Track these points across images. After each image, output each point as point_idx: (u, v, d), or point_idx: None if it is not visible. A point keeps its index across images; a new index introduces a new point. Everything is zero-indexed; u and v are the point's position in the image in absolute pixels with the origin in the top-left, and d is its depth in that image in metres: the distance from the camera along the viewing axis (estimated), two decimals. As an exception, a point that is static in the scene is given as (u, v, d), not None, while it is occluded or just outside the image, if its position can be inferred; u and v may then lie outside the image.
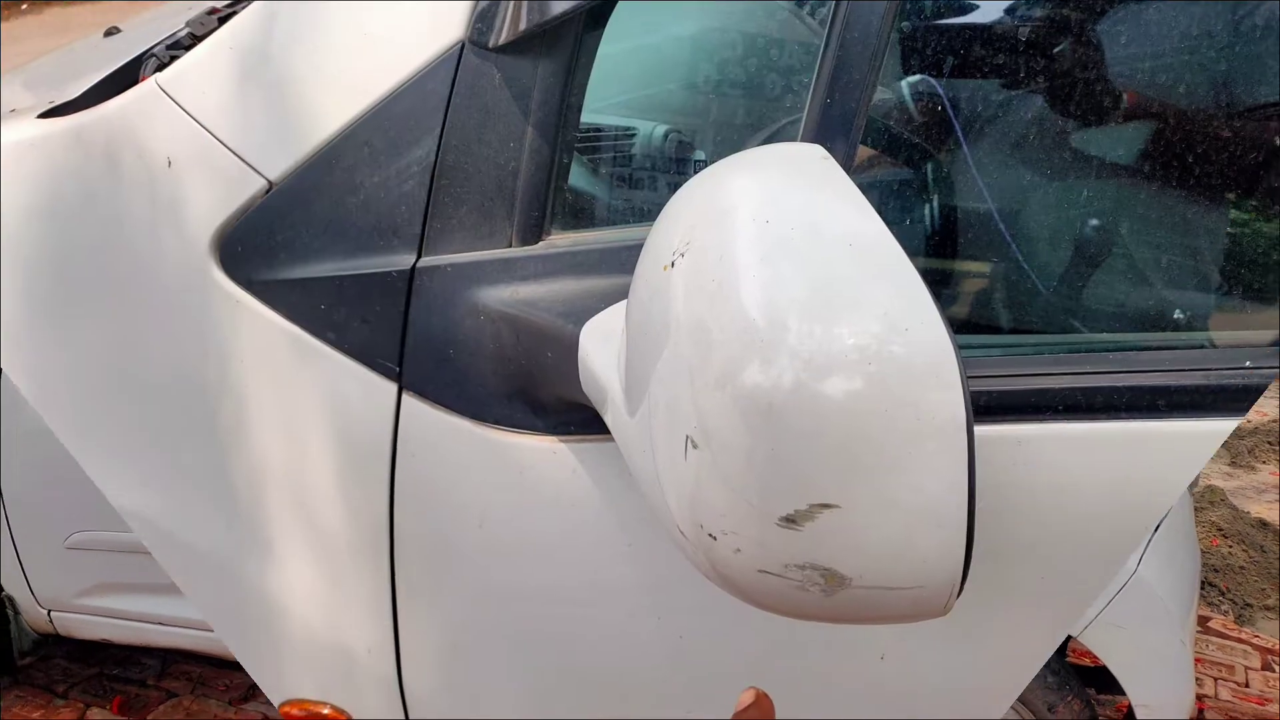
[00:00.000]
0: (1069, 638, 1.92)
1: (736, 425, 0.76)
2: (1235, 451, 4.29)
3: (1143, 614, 1.85)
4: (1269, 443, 4.34)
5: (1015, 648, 1.29)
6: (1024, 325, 1.46)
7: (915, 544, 0.76)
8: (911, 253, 0.78)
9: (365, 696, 1.45)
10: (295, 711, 1.48)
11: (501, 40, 1.17)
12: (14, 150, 1.36)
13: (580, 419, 1.21)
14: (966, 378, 0.73)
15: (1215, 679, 3.02)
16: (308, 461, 1.32)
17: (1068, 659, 2.22)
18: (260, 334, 1.28)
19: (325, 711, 1.46)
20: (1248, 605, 3.35)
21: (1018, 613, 1.26)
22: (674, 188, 1.05)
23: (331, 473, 1.32)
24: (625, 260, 1.16)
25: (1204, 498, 3.89)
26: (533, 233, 1.22)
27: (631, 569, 1.28)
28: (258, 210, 1.26)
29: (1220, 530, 3.72)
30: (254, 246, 1.27)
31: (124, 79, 1.62)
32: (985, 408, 1.14)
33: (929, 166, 1.55)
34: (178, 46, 1.61)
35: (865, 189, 0.84)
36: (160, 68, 1.37)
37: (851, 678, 1.33)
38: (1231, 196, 1.34)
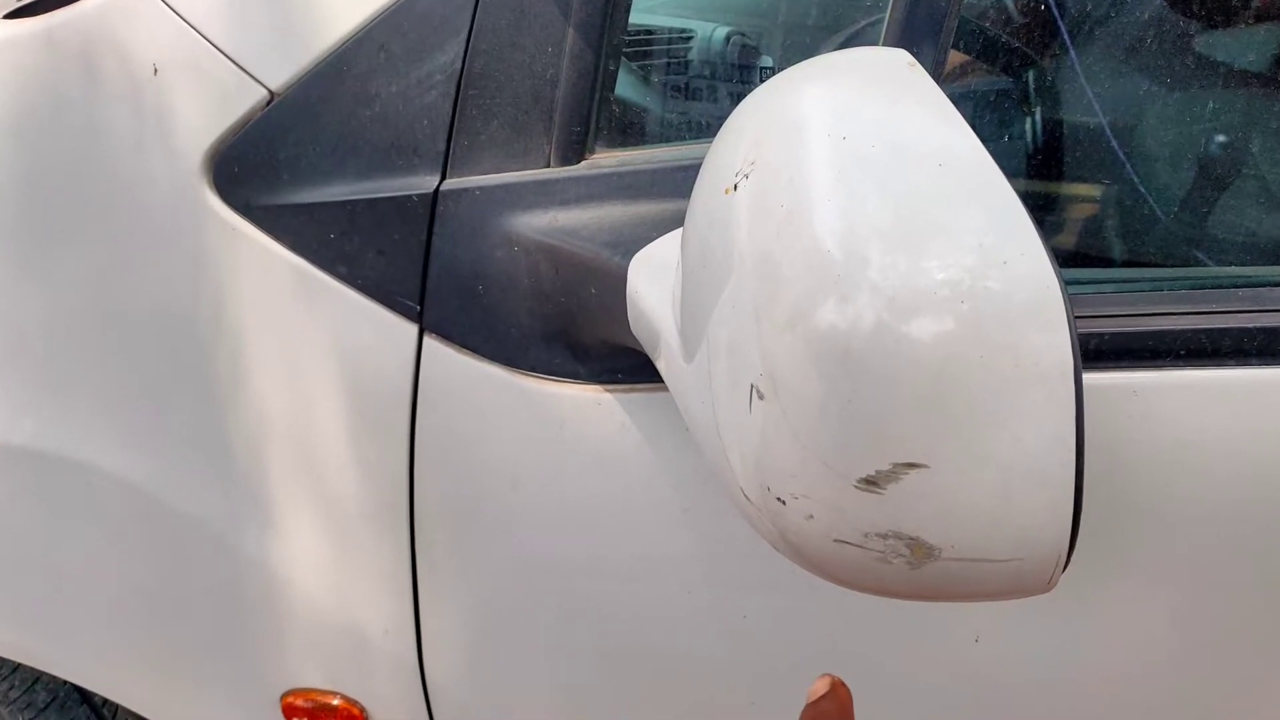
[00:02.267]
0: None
1: (809, 372, 0.75)
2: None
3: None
4: None
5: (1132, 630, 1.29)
6: (1140, 257, 1.46)
7: (1015, 509, 0.75)
8: (1010, 174, 0.78)
9: (381, 684, 1.46)
10: (299, 702, 1.49)
11: (538, -74, 1.18)
12: (-24, 56, 1.37)
13: (628, 365, 1.22)
14: (1074, 317, 0.72)
15: None
16: (315, 415, 1.34)
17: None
18: (260, 267, 1.30)
19: (334, 702, 1.47)
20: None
21: (1135, 588, 1.26)
22: (736, 99, 1.05)
23: (342, 427, 1.33)
24: (680, 182, 1.16)
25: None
26: (574, 151, 1.23)
27: (687, 537, 1.29)
28: (257, 125, 1.27)
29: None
30: (253, 167, 1.28)
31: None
32: (1096, 352, 1.14)
33: (1030, 75, 1.54)
34: (163, -65, 1.61)
35: (957, 100, 0.84)
36: (144, -40, 1.38)
37: (940, 664, 1.33)
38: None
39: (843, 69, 0.88)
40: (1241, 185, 1.39)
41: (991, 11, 1.56)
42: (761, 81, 1.01)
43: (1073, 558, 0.78)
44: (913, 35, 1.10)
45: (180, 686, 1.53)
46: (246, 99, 1.26)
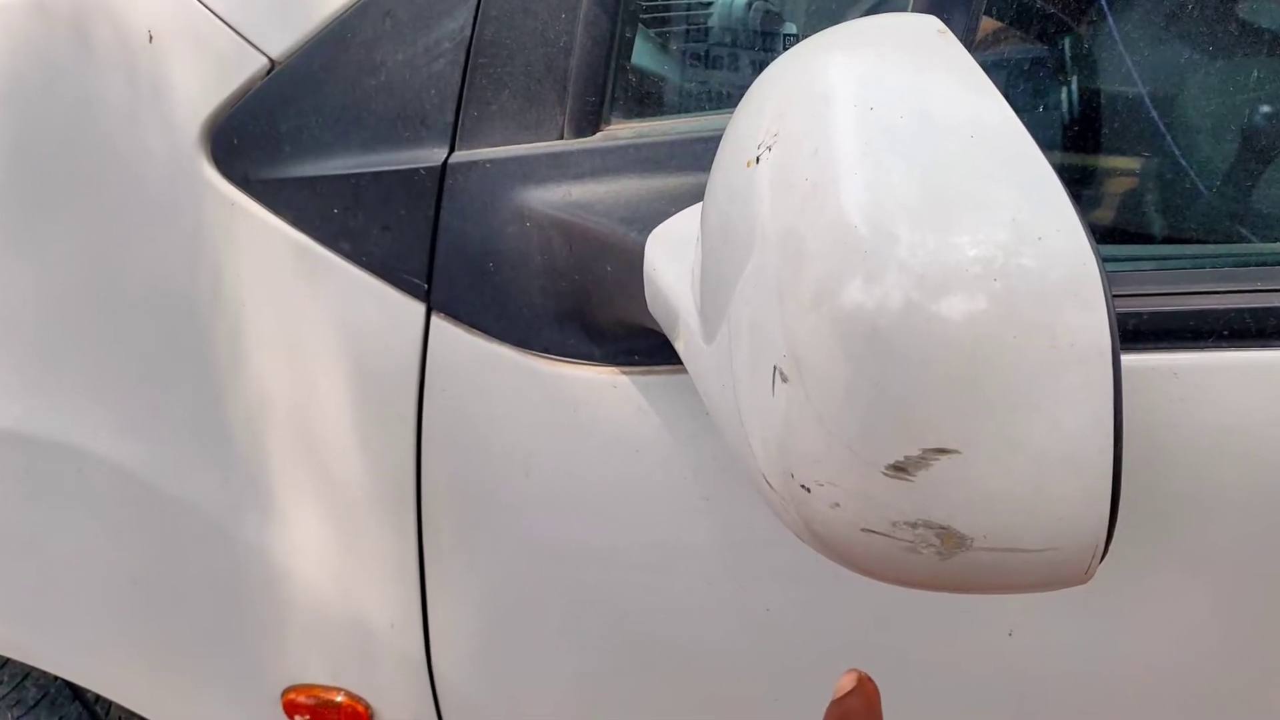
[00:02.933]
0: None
1: (834, 354, 0.75)
2: None
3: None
4: None
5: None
6: (1181, 233, 1.45)
7: (1050, 496, 0.74)
8: (1045, 146, 0.78)
9: (386, 680, 1.46)
10: (301, 699, 1.49)
11: (551, -114, 1.18)
12: (-36, 24, 1.37)
13: (645, 346, 1.22)
14: (1112, 296, 0.72)
15: None
16: (317, 397, 1.34)
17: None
18: (261, 244, 1.30)
19: (338, 699, 1.48)
20: None
21: (1174, 579, 1.26)
22: (759, 67, 1.04)
23: (346, 411, 1.33)
24: (700, 154, 1.16)
25: None
26: (589, 122, 1.23)
27: (707, 526, 1.29)
28: (257, 94, 1.27)
29: None
30: (253, 138, 1.28)
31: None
32: (1134, 332, 1.14)
33: (1066, 42, 1.54)
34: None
35: (989, 69, 0.84)
36: (138, -78, 1.38)
37: (971, 659, 1.33)
38: None
39: (869, 36, 0.88)
40: (1287, 158, 1.39)
41: (1026, -25, 1.55)
42: (785, 49, 1.00)
43: (1110, 547, 0.78)
44: (943, 0, 1.10)
45: (176, 682, 1.54)
46: (246, 68, 1.26)
